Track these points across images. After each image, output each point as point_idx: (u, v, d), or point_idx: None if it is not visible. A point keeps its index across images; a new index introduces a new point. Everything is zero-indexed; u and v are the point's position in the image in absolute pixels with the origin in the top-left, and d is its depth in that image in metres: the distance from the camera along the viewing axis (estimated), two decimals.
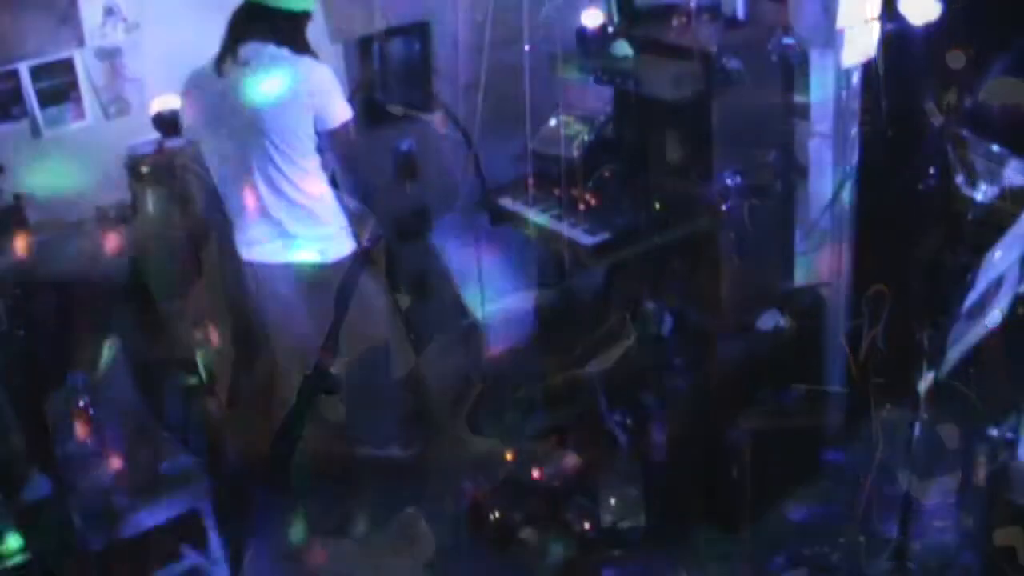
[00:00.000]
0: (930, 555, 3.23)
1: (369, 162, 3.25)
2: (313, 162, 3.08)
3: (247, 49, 2.98)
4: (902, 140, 3.47)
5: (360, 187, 3.19)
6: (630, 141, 3.55)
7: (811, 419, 3.65)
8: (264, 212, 3.08)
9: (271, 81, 2.95)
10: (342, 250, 3.17)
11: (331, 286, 3.15)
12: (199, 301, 3.68)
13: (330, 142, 3.07)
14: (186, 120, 3.18)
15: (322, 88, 3.01)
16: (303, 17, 3.05)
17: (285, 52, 3.00)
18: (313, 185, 3.09)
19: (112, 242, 3.66)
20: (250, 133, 2.99)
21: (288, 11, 2.99)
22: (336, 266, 3.15)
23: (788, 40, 3.28)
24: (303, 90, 2.97)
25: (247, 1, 3.01)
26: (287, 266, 3.14)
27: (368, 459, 3.52)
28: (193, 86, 3.12)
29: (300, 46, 3.04)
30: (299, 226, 3.10)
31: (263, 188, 3.04)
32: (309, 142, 3.03)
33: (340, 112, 3.04)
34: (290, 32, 3.02)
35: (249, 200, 3.08)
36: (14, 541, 2.76)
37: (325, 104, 3.01)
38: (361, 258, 3.22)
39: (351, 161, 3.15)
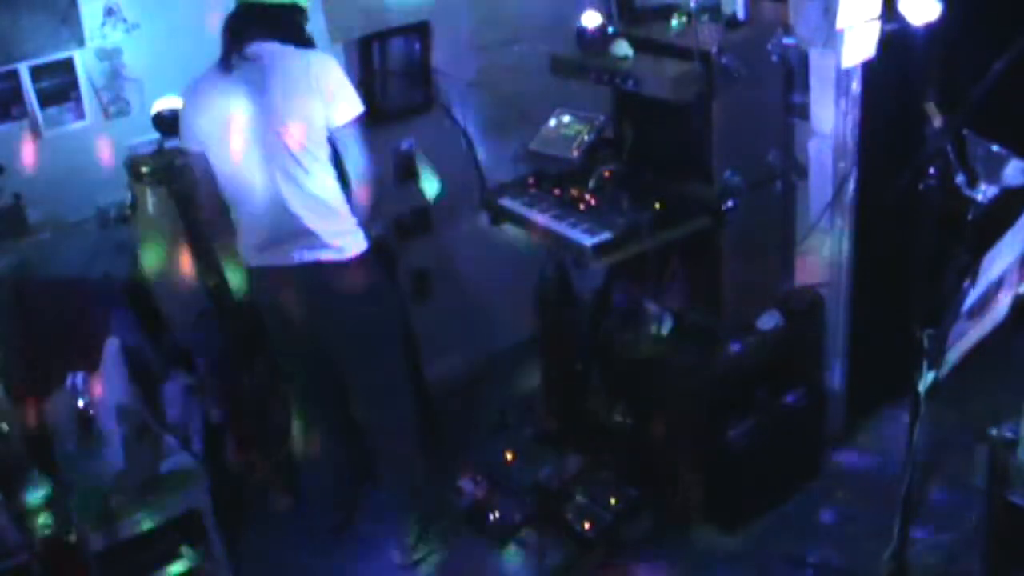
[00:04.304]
0: (930, 555, 3.24)
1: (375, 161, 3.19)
2: (327, 155, 3.04)
3: (253, 47, 2.96)
4: (902, 140, 3.47)
5: (368, 183, 3.11)
6: (630, 141, 3.55)
7: (811, 419, 3.65)
8: (283, 209, 3.03)
9: (284, 73, 2.93)
10: (359, 247, 3.13)
11: (349, 284, 3.12)
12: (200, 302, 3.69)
13: (343, 136, 3.01)
14: (191, 125, 3.10)
15: (333, 80, 2.97)
16: (297, 11, 3.03)
17: (291, 48, 2.98)
18: (330, 179, 3.05)
19: (112, 242, 3.67)
20: (265, 128, 2.96)
21: (280, 4, 2.98)
22: (355, 263, 3.11)
23: (788, 40, 3.28)
24: (315, 82, 2.93)
25: (240, 3, 3.00)
26: (305, 266, 3.10)
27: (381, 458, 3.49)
28: (199, 90, 3.08)
29: (303, 42, 3.03)
30: (320, 222, 3.05)
31: (282, 184, 3.00)
32: (324, 134, 3.00)
33: (354, 105, 3.00)
34: (290, 28, 3.01)
35: (267, 198, 3.03)
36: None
37: (338, 96, 2.97)
38: (373, 256, 3.19)
39: (362, 156, 3.05)
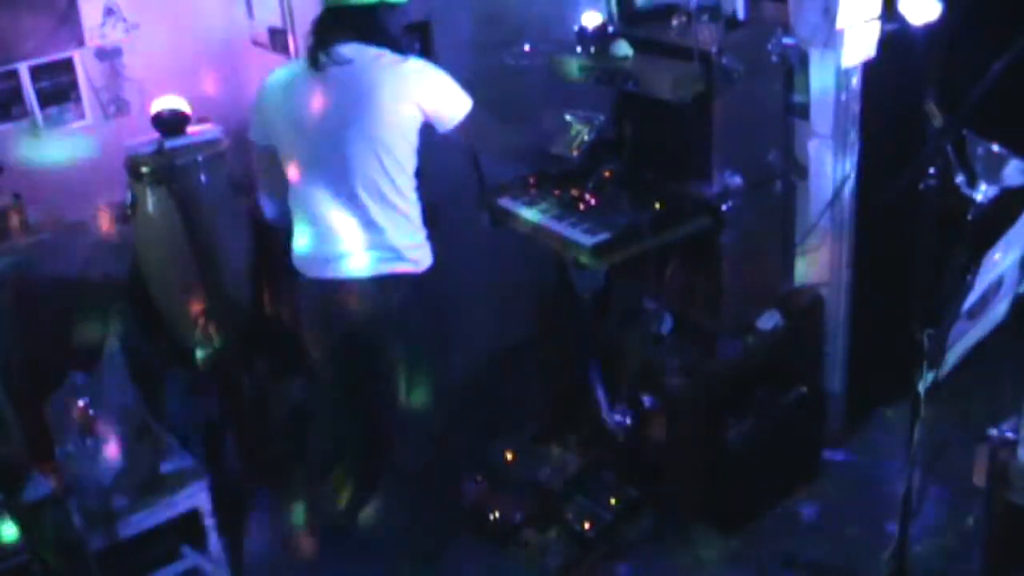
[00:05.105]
0: (930, 555, 3.24)
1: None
2: (413, 167, 2.95)
3: (343, 50, 2.84)
4: (902, 140, 3.47)
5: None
6: (630, 141, 3.55)
7: (810, 419, 3.65)
8: (366, 222, 2.92)
9: (377, 80, 2.82)
10: (429, 260, 3.06)
11: (420, 296, 3.05)
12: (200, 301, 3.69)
13: (459, 135, 2.94)
14: (264, 122, 3.00)
15: (430, 86, 2.87)
16: (386, 10, 2.89)
17: (386, 52, 2.87)
18: (412, 191, 2.97)
19: (112, 242, 3.67)
20: (353, 135, 2.84)
21: (367, 6, 2.85)
22: (425, 276, 3.05)
23: (788, 40, 3.28)
24: (413, 90, 2.84)
25: (327, 7, 2.90)
26: (379, 279, 2.98)
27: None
28: (278, 86, 2.97)
29: (395, 45, 2.90)
30: (401, 235, 2.96)
31: (366, 195, 2.88)
32: (413, 145, 2.91)
33: (461, 104, 2.91)
34: (379, 31, 2.88)
35: (346, 208, 2.92)
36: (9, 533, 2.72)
37: (439, 101, 2.88)
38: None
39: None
